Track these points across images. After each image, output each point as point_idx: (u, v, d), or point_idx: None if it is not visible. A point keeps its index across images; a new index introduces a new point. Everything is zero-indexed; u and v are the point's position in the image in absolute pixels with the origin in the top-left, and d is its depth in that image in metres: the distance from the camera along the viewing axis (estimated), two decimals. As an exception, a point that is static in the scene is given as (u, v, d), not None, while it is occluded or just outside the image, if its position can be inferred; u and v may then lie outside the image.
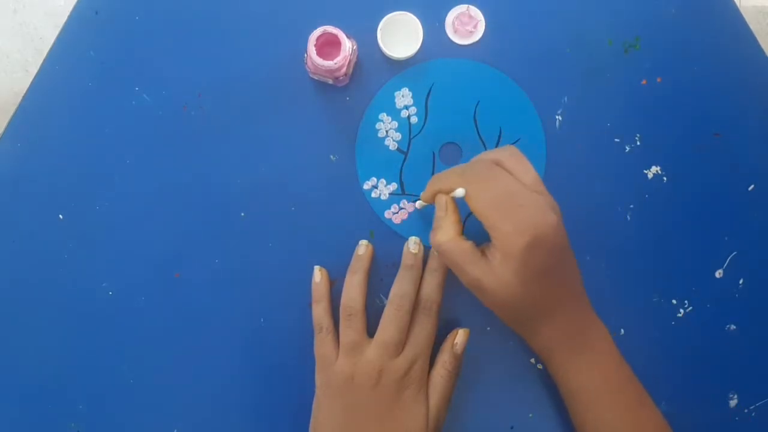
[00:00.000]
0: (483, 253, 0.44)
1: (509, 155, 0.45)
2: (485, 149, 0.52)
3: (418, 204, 0.51)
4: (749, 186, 0.53)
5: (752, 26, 0.53)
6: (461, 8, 0.52)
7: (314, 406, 0.48)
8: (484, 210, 0.43)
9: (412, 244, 0.50)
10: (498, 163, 0.44)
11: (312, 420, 0.48)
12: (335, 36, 0.47)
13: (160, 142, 0.52)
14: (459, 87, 0.52)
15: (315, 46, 0.47)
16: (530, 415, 0.51)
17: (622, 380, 0.47)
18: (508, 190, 0.43)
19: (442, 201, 0.46)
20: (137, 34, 0.52)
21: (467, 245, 0.44)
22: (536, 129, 0.52)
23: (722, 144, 0.53)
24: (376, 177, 0.52)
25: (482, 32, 0.52)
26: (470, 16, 0.52)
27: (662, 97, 0.53)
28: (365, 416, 0.46)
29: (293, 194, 0.52)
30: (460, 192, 0.44)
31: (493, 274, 0.43)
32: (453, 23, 0.52)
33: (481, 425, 0.51)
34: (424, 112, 0.52)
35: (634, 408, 0.46)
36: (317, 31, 0.47)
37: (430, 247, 0.51)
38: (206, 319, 0.51)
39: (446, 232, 0.45)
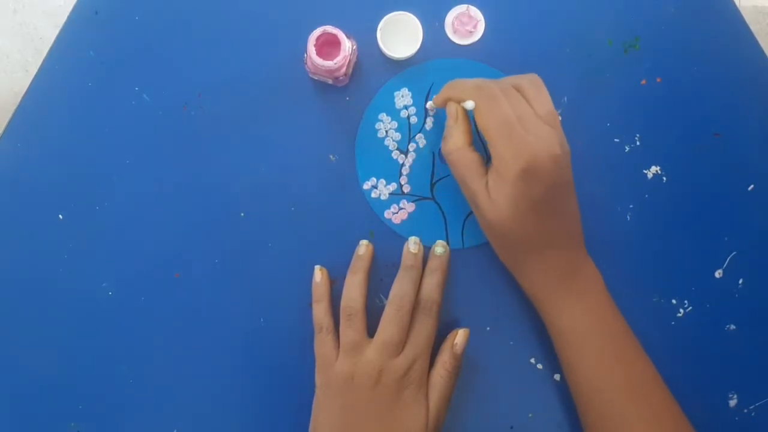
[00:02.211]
0: (487, 171, 0.44)
1: (530, 82, 0.45)
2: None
3: (429, 105, 0.51)
4: (749, 186, 0.53)
5: (752, 26, 0.53)
6: (461, 8, 0.52)
7: (314, 406, 0.48)
8: (488, 128, 0.43)
9: (412, 244, 0.50)
10: (518, 88, 0.44)
11: (312, 420, 0.48)
12: (335, 36, 0.47)
13: (160, 142, 0.52)
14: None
15: (315, 46, 0.47)
16: (530, 415, 0.51)
17: (612, 327, 0.46)
18: (518, 115, 0.43)
19: (452, 109, 0.46)
20: (137, 34, 0.52)
21: (475, 156, 0.45)
22: (536, 129, 0.52)
23: (722, 144, 0.53)
24: (375, 177, 0.52)
25: (482, 32, 0.52)
26: (470, 16, 0.52)
27: (662, 97, 0.53)
28: (365, 416, 0.46)
29: (293, 194, 0.52)
30: (470, 104, 0.44)
31: (489, 195, 0.43)
32: (453, 23, 0.52)
33: (481, 425, 0.51)
34: (424, 112, 0.52)
35: (625, 357, 0.46)
36: (317, 31, 0.47)
37: (430, 248, 0.51)
38: (206, 319, 0.51)
39: (456, 140, 0.45)
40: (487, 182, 0.44)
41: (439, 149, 0.52)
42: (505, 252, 0.47)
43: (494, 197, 0.43)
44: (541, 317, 0.48)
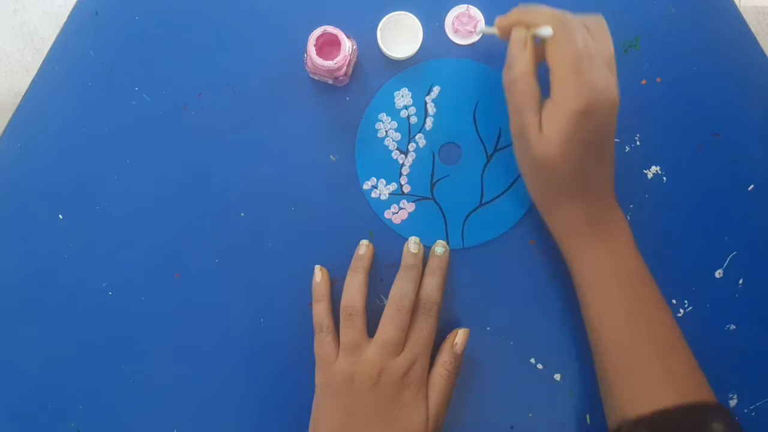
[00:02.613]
0: (541, 107, 0.44)
1: (596, 25, 0.44)
2: (485, 149, 0.52)
3: (479, 30, 0.49)
4: (749, 186, 0.53)
5: (752, 26, 0.53)
6: (461, 8, 0.52)
7: (314, 405, 0.48)
8: (561, 58, 0.42)
9: (412, 244, 0.50)
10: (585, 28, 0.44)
11: (312, 420, 0.48)
12: (335, 36, 0.47)
13: (160, 142, 0.52)
14: (459, 87, 0.52)
15: (315, 46, 0.47)
16: (530, 415, 0.51)
17: (637, 277, 0.46)
18: (589, 53, 0.42)
19: (522, 35, 0.44)
20: (137, 34, 0.52)
21: (537, 89, 0.44)
22: (536, 129, 0.52)
23: (722, 144, 0.53)
24: (375, 177, 0.52)
25: (482, 34, 0.52)
26: (470, 16, 0.52)
27: (662, 97, 0.53)
28: (365, 416, 0.46)
29: (293, 194, 0.52)
30: (547, 31, 0.43)
31: (541, 129, 0.43)
32: (453, 23, 0.52)
33: (481, 425, 0.51)
34: (424, 113, 0.52)
35: (646, 307, 0.46)
36: (317, 31, 0.47)
37: (430, 248, 0.51)
38: (206, 319, 0.51)
39: (523, 67, 0.44)
40: (540, 117, 0.43)
41: (439, 149, 0.52)
42: (542, 190, 0.47)
43: (546, 131, 0.43)
44: (566, 262, 0.48)
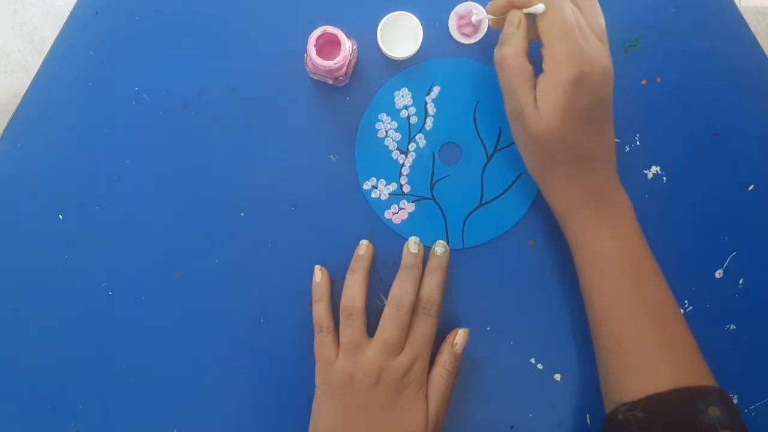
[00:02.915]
0: (535, 85, 0.44)
1: (587, 1, 0.45)
2: (485, 149, 0.52)
3: (474, 18, 0.50)
4: (749, 186, 0.53)
5: (752, 26, 0.53)
6: (462, 8, 0.52)
7: (314, 405, 0.48)
8: (552, 31, 0.43)
9: (412, 244, 0.50)
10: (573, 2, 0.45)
11: (312, 420, 0.48)
12: (335, 36, 0.47)
13: (160, 142, 0.52)
14: (459, 87, 0.52)
15: (315, 46, 0.47)
16: (530, 415, 0.51)
17: (636, 252, 0.47)
18: (579, 25, 0.43)
19: (515, 16, 0.45)
20: (137, 34, 0.52)
21: (529, 67, 0.45)
22: (536, 129, 0.52)
23: (722, 144, 0.53)
24: (375, 177, 0.52)
25: (484, 32, 0.52)
26: (472, 15, 0.52)
27: (662, 97, 0.53)
28: (365, 416, 0.46)
29: (293, 194, 0.52)
30: (540, 8, 0.43)
31: (537, 105, 0.43)
32: (455, 23, 0.52)
33: (481, 425, 0.51)
34: (424, 113, 0.52)
35: (645, 281, 0.46)
36: (317, 31, 0.47)
37: (430, 248, 0.51)
38: (206, 319, 0.51)
39: (514, 46, 0.45)
40: (535, 95, 0.44)
41: (439, 149, 0.52)
42: (541, 165, 0.47)
43: (542, 105, 0.43)
44: (567, 239, 0.48)
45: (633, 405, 0.43)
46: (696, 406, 0.42)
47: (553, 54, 0.43)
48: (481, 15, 0.50)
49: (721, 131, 0.53)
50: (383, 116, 0.52)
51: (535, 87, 0.44)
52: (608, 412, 0.46)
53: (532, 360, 0.51)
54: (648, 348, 0.45)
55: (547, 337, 0.51)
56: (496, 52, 0.46)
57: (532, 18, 0.45)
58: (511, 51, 0.45)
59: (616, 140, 0.52)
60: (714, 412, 0.42)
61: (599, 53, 0.43)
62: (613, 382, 0.46)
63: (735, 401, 0.51)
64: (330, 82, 0.51)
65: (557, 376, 0.51)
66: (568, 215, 0.47)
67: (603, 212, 0.46)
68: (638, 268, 0.46)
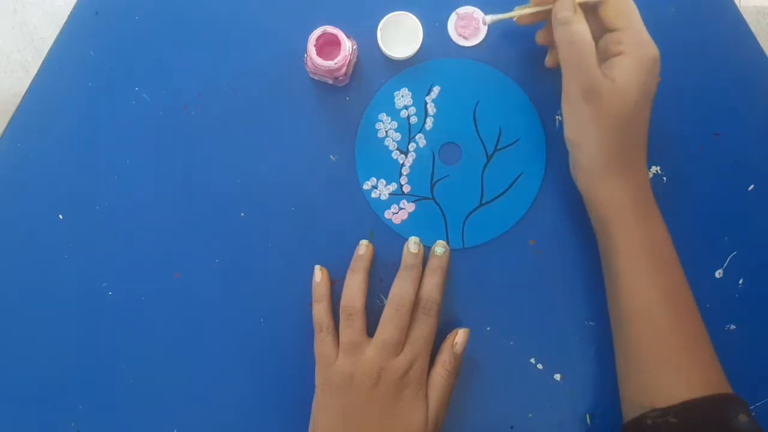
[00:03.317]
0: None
1: None
2: (485, 149, 0.52)
3: (489, 19, 0.48)
4: (749, 186, 0.53)
5: (752, 26, 0.53)
6: (464, 10, 0.52)
7: (314, 405, 0.48)
8: (629, 13, 0.44)
9: (412, 244, 0.50)
10: None
11: (312, 420, 0.48)
12: (335, 36, 0.47)
13: (160, 142, 0.52)
14: (459, 87, 0.52)
15: (315, 46, 0.47)
16: (530, 415, 0.51)
17: (670, 260, 0.46)
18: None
19: (568, 2, 0.45)
20: (137, 34, 0.52)
21: (593, 43, 0.44)
22: (536, 129, 0.52)
23: (722, 144, 0.53)
24: (375, 177, 0.52)
25: (485, 34, 0.52)
26: (473, 18, 0.52)
27: (662, 97, 0.52)
28: (365, 415, 0.46)
29: (293, 194, 0.52)
30: None
31: (615, 80, 0.43)
32: (456, 25, 0.52)
33: (481, 425, 0.51)
34: (424, 113, 0.52)
35: (676, 287, 0.46)
36: (317, 31, 0.47)
37: (430, 248, 0.51)
38: (206, 319, 0.51)
39: (581, 22, 0.45)
40: (606, 72, 0.44)
41: (439, 149, 0.52)
42: (603, 154, 0.45)
43: (623, 80, 0.43)
44: (602, 235, 0.47)
45: (666, 411, 0.43)
46: (728, 413, 0.42)
47: (634, 35, 0.44)
48: (497, 15, 0.48)
49: (721, 131, 0.53)
50: (383, 116, 0.52)
51: (598, 63, 0.44)
52: (632, 416, 0.45)
53: (532, 360, 0.51)
54: (679, 354, 0.44)
55: (547, 337, 0.51)
56: (561, 31, 0.45)
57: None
58: (580, 27, 0.44)
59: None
60: (743, 419, 0.42)
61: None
62: (640, 386, 0.45)
63: (735, 401, 0.51)
64: (330, 82, 0.51)
65: (557, 376, 0.51)
66: (615, 212, 0.46)
67: (645, 213, 0.46)
68: (670, 271, 0.46)
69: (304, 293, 0.51)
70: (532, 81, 0.52)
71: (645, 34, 0.44)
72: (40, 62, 0.52)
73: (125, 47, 0.52)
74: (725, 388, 0.45)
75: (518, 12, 0.47)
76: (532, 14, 0.47)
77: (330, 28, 0.47)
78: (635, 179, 0.46)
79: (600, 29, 0.46)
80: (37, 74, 0.52)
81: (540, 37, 0.49)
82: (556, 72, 0.52)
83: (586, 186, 0.47)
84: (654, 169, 0.52)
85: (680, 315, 0.45)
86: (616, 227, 0.46)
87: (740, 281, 0.52)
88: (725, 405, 0.43)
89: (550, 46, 0.50)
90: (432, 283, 0.49)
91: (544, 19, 0.48)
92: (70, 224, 0.52)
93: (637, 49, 0.44)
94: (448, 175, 0.52)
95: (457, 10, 0.52)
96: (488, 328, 0.51)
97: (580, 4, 0.45)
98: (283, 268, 0.52)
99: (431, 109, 0.52)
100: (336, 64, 0.47)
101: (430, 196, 0.52)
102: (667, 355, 0.44)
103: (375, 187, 0.52)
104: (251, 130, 0.52)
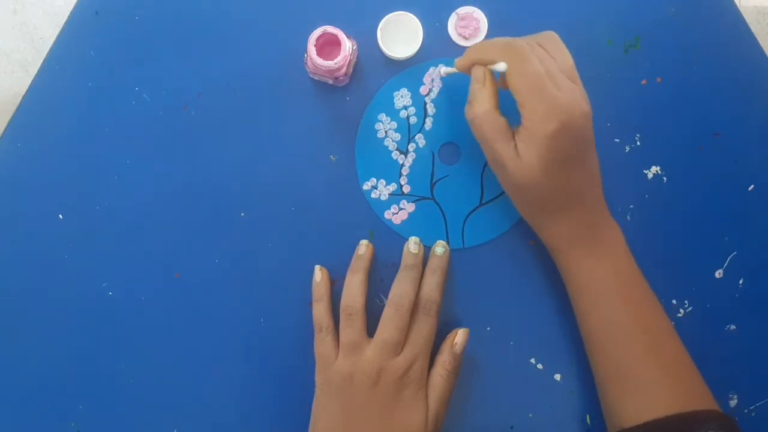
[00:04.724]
0: (513, 134, 0.44)
1: (549, 39, 0.44)
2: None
3: (443, 71, 0.50)
4: (749, 186, 0.53)
5: (752, 26, 0.53)
6: (464, 10, 0.52)
7: (314, 405, 0.48)
8: (521, 87, 0.42)
9: (412, 244, 0.50)
10: (539, 45, 0.44)
11: (312, 419, 0.48)
12: (335, 36, 0.47)
13: (160, 142, 0.52)
14: (459, 87, 0.52)
15: (315, 46, 0.47)
16: (530, 415, 0.51)
17: (634, 285, 0.47)
18: (549, 72, 0.42)
19: (480, 72, 0.45)
20: (137, 34, 0.52)
21: (502, 120, 0.44)
22: (536, 129, 0.52)
23: (722, 144, 0.53)
24: (375, 177, 0.52)
25: (485, 34, 0.52)
26: (473, 18, 0.52)
27: (662, 97, 0.53)
28: (365, 415, 0.46)
29: (293, 194, 0.52)
30: (501, 66, 0.43)
31: (518, 155, 0.43)
32: (455, 25, 0.52)
33: (481, 425, 0.51)
34: (423, 113, 0.52)
35: (641, 309, 0.46)
36: (317, 31, 0.47)
37: (430, 248, 0.51)
38: (206, 319, 0.51)
39: (483, 103, 0.44)
40: (515, 145, 0.43)
41: (438, 149, 0.52)
42: (531, 209, 0.47)
43: (525, 158, 0.43)
44: (562, 275, 0.49)
45: (631, 431, 0.44)
46: (694, 431, 0.42)
47: (529, 110, 0.42)
48: (446, 68, 0.50)
49: (721, 131, 0.53)
50: (383, 116, 0.52)
51: (512, 137, 0.44)
52: None
53: (532, 360, 0.51)
54: (644, 374, 0.45)
55: (547, 337, 0.51)
56: (467, 110, 0.45)
57: (497, 73, 0.44)
58: (481, 109, 0.44)
59: (616, 140, 0.52)
60: None
61: (575, 97, 0.42)
62: (611, 408, 0.47)
63: (735, 401, 0.51)
64: (330, 82, 0.51)
65: (557, 376, 0.51)
66: (561, 253, 0.47)
67: (596, 246, 0.46)
68: (632, 294, 0.47)
69: (304, 293, 0.51)
70: (532, 81, 0.52)
71: (540, 108, 0.41)
72: (40, 62, 0.52)
73: (125, 47, 0.52)
74: (704, 404, 0.45)
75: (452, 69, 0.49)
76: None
77: (330, 28, 0.47)
78: (576, 218, 0.46)
79: None
80: (37, 74, 0.52)
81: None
82: (556, 72, 0.52)
83: (532, 227, 0.49)
84: (654, 169, 0.52)
85: (646, 334, 0.46)
86: (562, 262, 0.48)
87: (740, 281, 0.52)
88: (692, 423, 0.43)
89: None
90: (432, 283, 0.49)
91: None
92: (70, 224, 0.52)
93: (532, 126, 0.42)
94: (447, 175, 0.52)
95: (457, 10, 0.52)
96: (488, 328, 0.51)
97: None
98: (283, 268, 0.52)
99: (431, 109, 0.52)
100: (336, 64, 0.47)
101: (430, 196, 0.52)
102: (633, 375, 0.45)
103: (375, 187, 0.52)
104: (251, 130, 0.52)
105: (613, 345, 0.46)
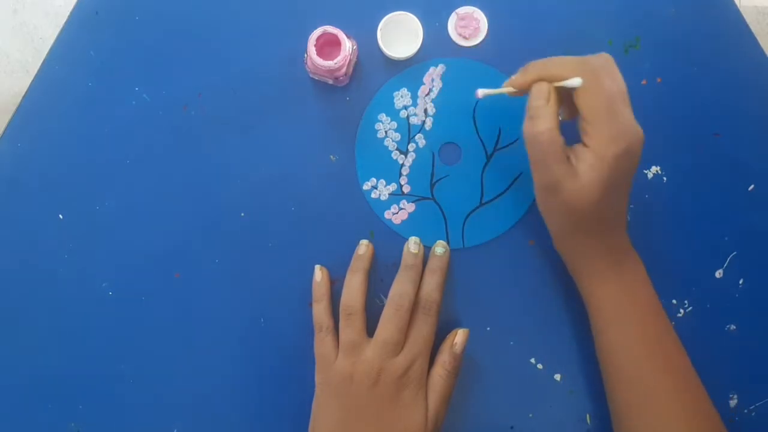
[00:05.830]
0: (568, 156, 0.43)
1: (606, 62, 0.43)
2: (485, 149, 0.52)
3: (481, 93, 0.46)
4: (749, 186, 0.53)
5: (752, 26, 0.53)
6: (464, 10, 0.52)
7: (314, 405, 0.48)
8: (596, 107, 0.42)
9: (412, 244, 0.50)
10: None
11: (311, 419, 0.48)
12: (335, 36, 0.47)
13: (160, 142, 0.52)
14: (459, 87, 0.52)
15: (315, 46, 0.47)
16: (530, 415, 0.51)
17: (654, 313, 0.47)
18: (621, 91, 0.42)
19: (544, 89, 0.43)
20: (137, 34, 0.52)
21: (562, 140, 0.43)
22: (536, 129, 0.52)
23: (722, 144, 0.53)
24: (375, 177, 0.52)
25: (485, 34, 0.52)
26: (473, 18, 0.52)
27: (662, 97, 0.53)
28: (364, 415, 0.46)
29: (293, 194, 0.52)
30: (576, 81, 0.42)
31: (577, 176, 0.42)
32: (455, 25, 0.52)
33: (481, 425, 0.51)
34: (423, 113, 0.52)
35: (663, 343, 0.47)
36: (317, 31, 0.47)
37: (430, 248, 0.51)
38: (206, 319, 0.51)
39: (546, 120, 0.43)
40: (573, 166, 0.43)
41: (438, 149, 0.52)
42: (574, 234, 0.46)
43: (585, 178, 0.42)
44: (583, 296, 0.48)
45: None
46: None
47: (597, 132, 0.42)
48: (486, 90, 0.46)
49: (721, 131, 0.53)
50: (383, 116, 0.52)
51: (568, 158, 0.43)
52: None
53: (532, 360, 0.51)
54: (667, 405, 0.45)
55: (547, 337, 0.51)
56: (527, 126, 0.44)
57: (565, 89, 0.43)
58: (544, 127, 0.43)
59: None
60: None
61: (635, 124, 0.43)
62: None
63: (735, 401, 0.51)
64: (330, 82, 0.51)
65: (557, 376, 0.51)
66: (586, 275, 0.47)
67: (620, 271, 0.46)
68: (654, 325, 0.47)
69: (304, 293, 0.51)
70: (532, 81, 0.52)
71: (612, 130, 0.41)
72: (40, 62, 0.52)
73: (125, 47, 0.52)
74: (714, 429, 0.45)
75: (508, 88, 0.46)
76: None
77: (330, 28, 0.47)
78: (606, 240, 0.46)
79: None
80: (37, 74, 0.52)
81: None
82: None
83: (556, 248, 0.49)
84: (654, 169, 0.52)
85: (664, 364, 0.46)
86: (587, 285, 0.48)
87: (740, 281, 0.52)
88: None
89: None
90: (432, 283, 0.49)
91: None
92: (70, 224, 0.52)
93: (600, 146, 0.42)
94: (447, 175, 0.52)
95: (457, 10, 0.52)
96: (488, 328, 0.51)
97: (557, 88, 0.43)
98: (283, 268, 0.52)
99: (431, 109, 0.52)
100: (336, 64, 0.47)
101: (430, 196, 0.52)
102: (649, 404, 0.45)
103: (375, 187, 0.52)
104: (251, 130, 0.52)
105: (631, 372, 0.46)
